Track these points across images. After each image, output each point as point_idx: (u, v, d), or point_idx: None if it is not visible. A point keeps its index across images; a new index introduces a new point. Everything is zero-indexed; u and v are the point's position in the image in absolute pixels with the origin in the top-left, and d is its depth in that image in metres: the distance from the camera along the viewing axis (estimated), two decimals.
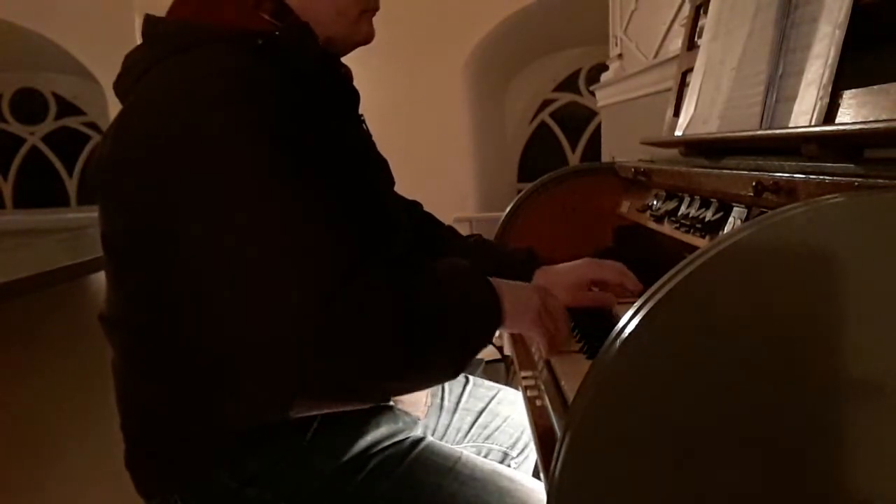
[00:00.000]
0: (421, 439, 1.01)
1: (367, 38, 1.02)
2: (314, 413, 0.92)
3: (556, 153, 5.34)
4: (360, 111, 1.06)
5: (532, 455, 1.25)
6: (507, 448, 1.23)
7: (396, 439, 1.00)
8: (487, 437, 1.22)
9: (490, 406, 1.25)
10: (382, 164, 1.09)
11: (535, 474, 1.21)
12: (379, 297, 0.80)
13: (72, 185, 5.70)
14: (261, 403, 0.89)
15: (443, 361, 0.84)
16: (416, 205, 1.29)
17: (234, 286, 0.80)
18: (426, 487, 0.95)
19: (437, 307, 0.84)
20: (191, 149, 0.80)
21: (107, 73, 4.99)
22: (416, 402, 1.12)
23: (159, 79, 0.86)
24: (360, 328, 0.78)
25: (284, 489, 0.92)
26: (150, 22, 0.94)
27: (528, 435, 1.24)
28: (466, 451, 1.04)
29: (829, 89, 0.83)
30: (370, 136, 1.08)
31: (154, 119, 0.83)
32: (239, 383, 0.87)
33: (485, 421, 1.23)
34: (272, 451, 0.92)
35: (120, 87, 0.94)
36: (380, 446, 0.98)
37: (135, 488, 0.98)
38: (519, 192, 1.65)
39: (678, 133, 1.29)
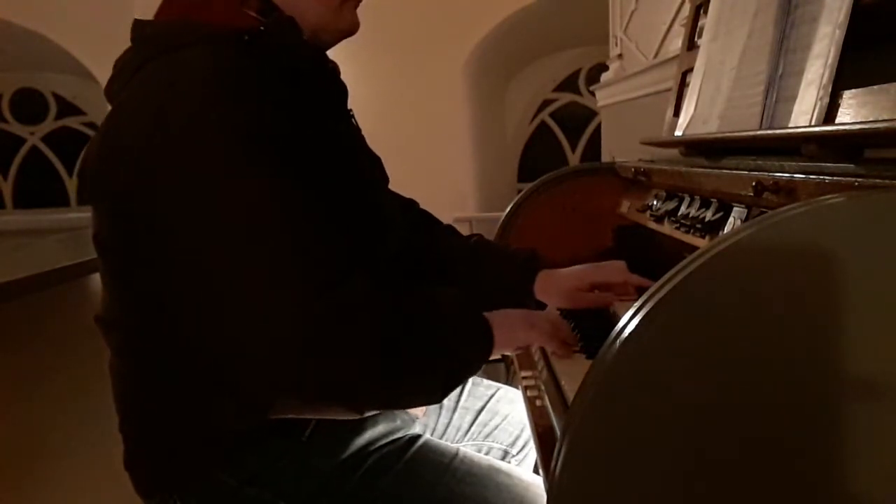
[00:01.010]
0: (418, 437, 1.02)
1: (352, 27, 1.01)
2: (294, 416, 0.91)
3: (556, 153, 5.34)
4: (355, 108, 1.06)
5: (532, 452, 1.25)
6: (507, 446, 1.23)
7: (394, 437, 1.00)
8: (487, 436, 1.22)
9: (489, 404, 1.25)
10: (374, 161, 1.09)
11: (536, 472, 1.22)
12: (367, 301, 0.81)
13: (72, 185, 5.69)
14: (257, 403, 0.89)
15: (426, 379, 0.84)
16: (412, 203, 1.29)
17: (226, 286, 0.80)
18: (424, 484, 0.95)
19: (425, 324, 0.85)
20: (180, 149, 0.80)
21: (107, 73, 4.98)
22: None
23: (148, 79, 0.86)
24: (344, 332, 0.78)
25: (283, 488, 0.92)
26: (137, 25, 0.94)
27: (527, 432, 1.24)
28: (465, 448, 1.04)
29: (829, 89, 0.83)
30: (360, 131, 1.07)
31: (144, 120, 0.83)
32: (235, 383, 0.87)
33: (484, 419, 1.23)
34: (271, 450, 0.92)
35: (110, 90, 0.93)
36: (378, 444, 0.98)
37: (134, 489, 0.98)
38: (519, 192, 1.65)
39: (678, 133, 1.29)
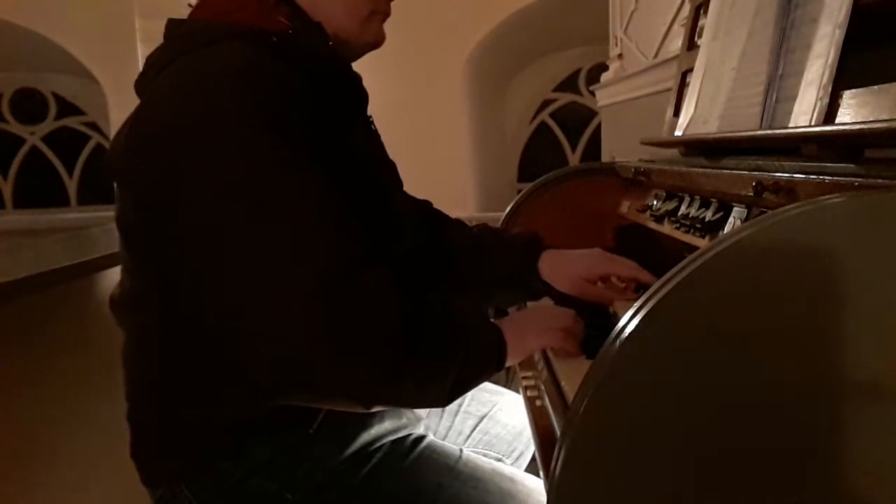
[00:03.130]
0: (423, 437, 1.02)
1: (377, 40, 1.03)
2: (303, 404, 0.91)
3: (556, 153, 5.34)
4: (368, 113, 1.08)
5: (525, 463, 1.25)
6: (503, 456, 1.22)
7: (400, 435, 1.01)
8: (486, 444, 1.22)
9: (492, 412, 1.25)
10: (390, 166, 1.11)
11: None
12: (384, 293, 0.81)
13: (72, 185, 5.69)
14: (269, 390, 0.89)
15: (438, 377, 0.84)
16: (425, 203, 1.30)
17: (246, 269, 0.81)
18: (428, 485, 0.96)
19: (440, 328, 0.85)
20: (203, 137, 0.82)
21: (107, 73, 4.99)
22: None
23: (176, 73, 0.89)
24: (362, 320, 0.79)
25: (289, 480, 0.93)
26: (171, 24, 0.97)
27: (523, 442, 1.24)
28: (467, 451, 1.04)
29: (829, 89, 0.83)
30: (379, 137, 1.09)
31: (172, 107, 0.86)
32: (248, 368, 0.87)
33: (485, 427, 1.23)
34: (278, 442, 0.93)
35: (140, 84, 0.96)
36: (383, 441, 0.98)
37: (140, 478, 0.99)
38: (519, 192, 1.65)
39: (678, 133, 1.29)
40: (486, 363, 0.88)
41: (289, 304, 0.79)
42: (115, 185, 0.93)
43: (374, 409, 0.87)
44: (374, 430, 0.98)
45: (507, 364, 0.91)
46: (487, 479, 0.99)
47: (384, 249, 0.90)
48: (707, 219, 1.03)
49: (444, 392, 0.84)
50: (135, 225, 0.92)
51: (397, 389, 0.83)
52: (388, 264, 0.85)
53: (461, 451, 1.03)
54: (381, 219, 0.97)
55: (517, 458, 1.24)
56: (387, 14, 1.03)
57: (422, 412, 1.13)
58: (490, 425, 1.23)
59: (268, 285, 0.80)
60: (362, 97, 1.05)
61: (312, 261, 0.80)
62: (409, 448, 0.99)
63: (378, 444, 0.98)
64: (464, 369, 0.85)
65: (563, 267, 1.14)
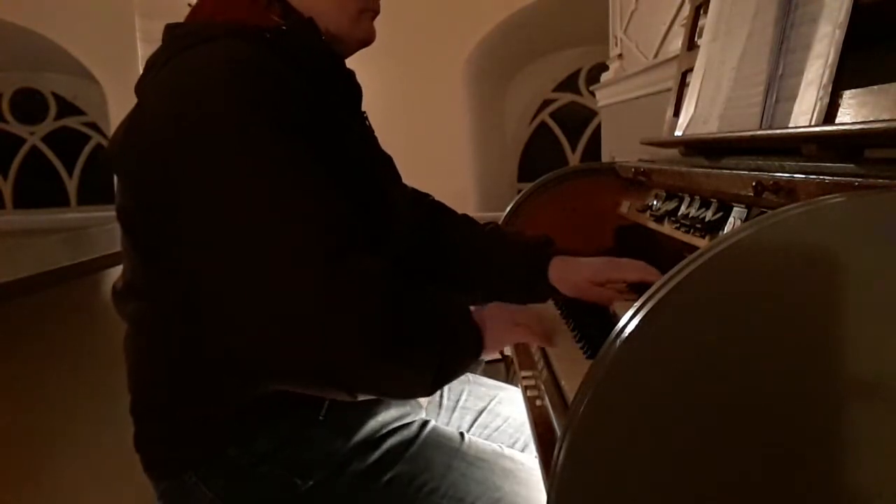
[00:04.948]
0: (427, 422, 1.05)
1: (368, 37, 1.05)
2: (288, 389, 0.93)
3: (556, 153, 5.34)
4: (362, 109, 1.08)
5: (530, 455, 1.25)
6: (506, 447, 1.23)
7: (405, 421, 1.03)
8: (487, 438, 1.22)
9: (490, 406, 1.25)
10: (386, 160, 1.12)
11: None
12: (371, 286, 0.83)
13: (72, 185, 5.70)
14: (257, 377, 0.91)
15: (419, 368, 0.86)
16: (425, 196, 1.31)
17: (235, 269, 0.82)
18: (437, 468, 0.99)
19: (422, 314, 0.88)
20: (203, 135, 0.84)
21: (107, 73, 5.00)
22: None
23: (175, 68, 0.90)
24: (349, 313, 0.81)
25: (298, 466, 0.94)
26: (169, 27, 0.99)
27: (526, 435, 1.24)
28: (468, 434, 1.07)
29: (829, 89, 0.83)
30: (373, 132, 1.10)
31: (169, 105, 0.87)
32: (238, 356, 0.89)
33: (485, 421, 1.24)
34: (285, 429, 0.95)
35: (139, 86, 0.97)
36: (390, 427, 1.01)
37: (144, 470, 1.00)
38: (519, 192, 1.65)
39: (678, 133, 1.29)
40: (465, 358, 0.92)
41: (284, 297, 0.81)
42: (115, 178, 0.95)
43: (359, 397, 0.90)
44: (381, 418, 1.01)
45: (483, 357, 0.95)
46: (491, 460, 1.03)
47: (378, 245, 0.92)
48: (707, 219, 1.03)
49: (427, 383, 0.87)
50: (134, 219, 0.94)
51: (380, 378, 0.86)
52: (384, 259, 0.87)
53: (462, 433, 1.06)
54: (374, 211, 0.99)
55: (523, 449, 1.24)
56: (376, 11, 1.04)
57: (423, 400, 1.15)
58: (490, 419, 1.24)
59: (262, 281, 0.82)
60: (356, 92, 1.06)
61: (307, 257, 0.82)
62: (415, 433, 1.02)
63: (385, 431, 1.00)
64: (444, 361, 0.87)
65: (570, 273, 1.16)
